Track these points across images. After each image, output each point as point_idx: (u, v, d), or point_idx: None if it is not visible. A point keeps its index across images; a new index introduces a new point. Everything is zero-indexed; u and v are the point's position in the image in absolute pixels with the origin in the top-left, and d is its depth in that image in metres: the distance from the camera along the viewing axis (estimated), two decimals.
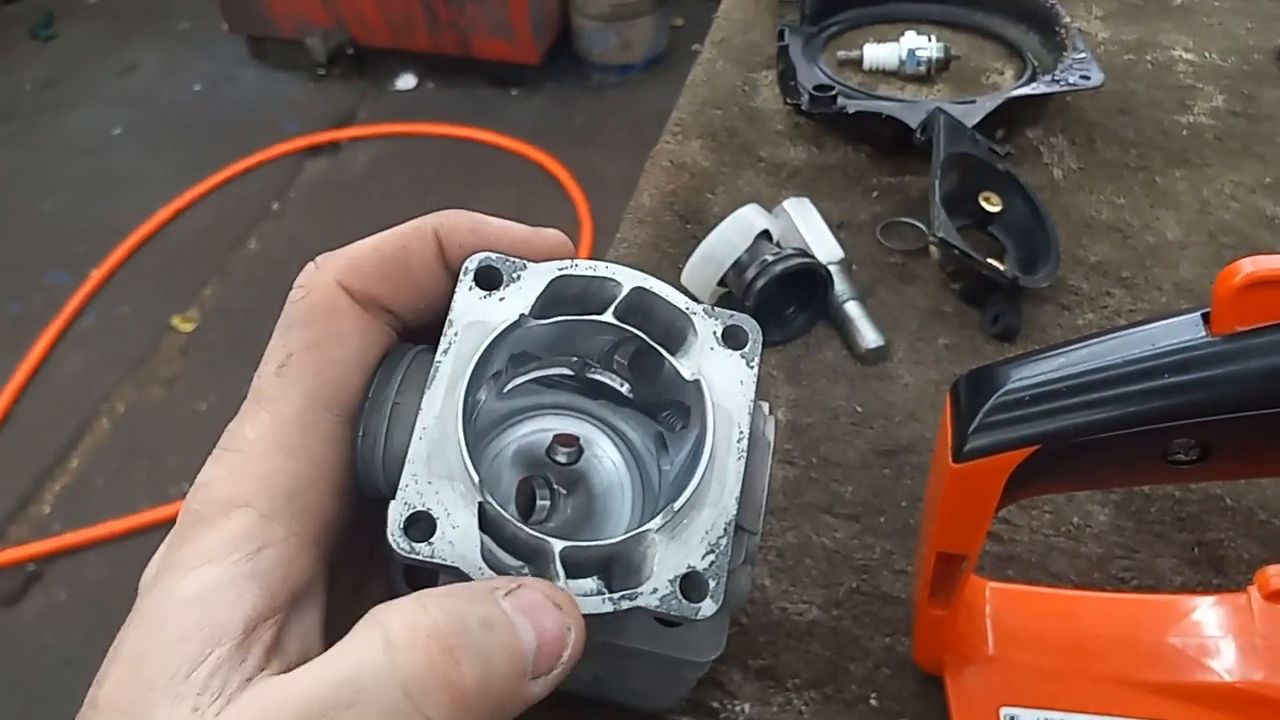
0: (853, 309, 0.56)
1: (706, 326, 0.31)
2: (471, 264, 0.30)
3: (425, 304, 0.31)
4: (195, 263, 2.16)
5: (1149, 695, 0.39)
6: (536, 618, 0.26)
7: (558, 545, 0.27)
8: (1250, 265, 0.31)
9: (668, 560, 0.28)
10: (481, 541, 0.27)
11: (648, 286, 0.30)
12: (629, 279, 0.30)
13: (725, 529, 0.28)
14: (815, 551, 0.46)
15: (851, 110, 0.63)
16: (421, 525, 0.27)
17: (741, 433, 0.30)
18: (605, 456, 0.34)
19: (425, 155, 2.39)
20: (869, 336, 0.54)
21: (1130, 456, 0.34)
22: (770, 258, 0.53)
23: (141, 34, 2.84)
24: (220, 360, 1.96)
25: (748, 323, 0.31)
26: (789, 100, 0.66)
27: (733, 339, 0.31)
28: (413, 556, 0.26)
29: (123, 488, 1.76)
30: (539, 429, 0.33)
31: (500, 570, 0.27)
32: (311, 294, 0.30)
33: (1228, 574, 0.45)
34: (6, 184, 2.39)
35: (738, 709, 0.40)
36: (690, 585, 0.27)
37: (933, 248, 0.58)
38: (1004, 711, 0.39)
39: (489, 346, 0.29)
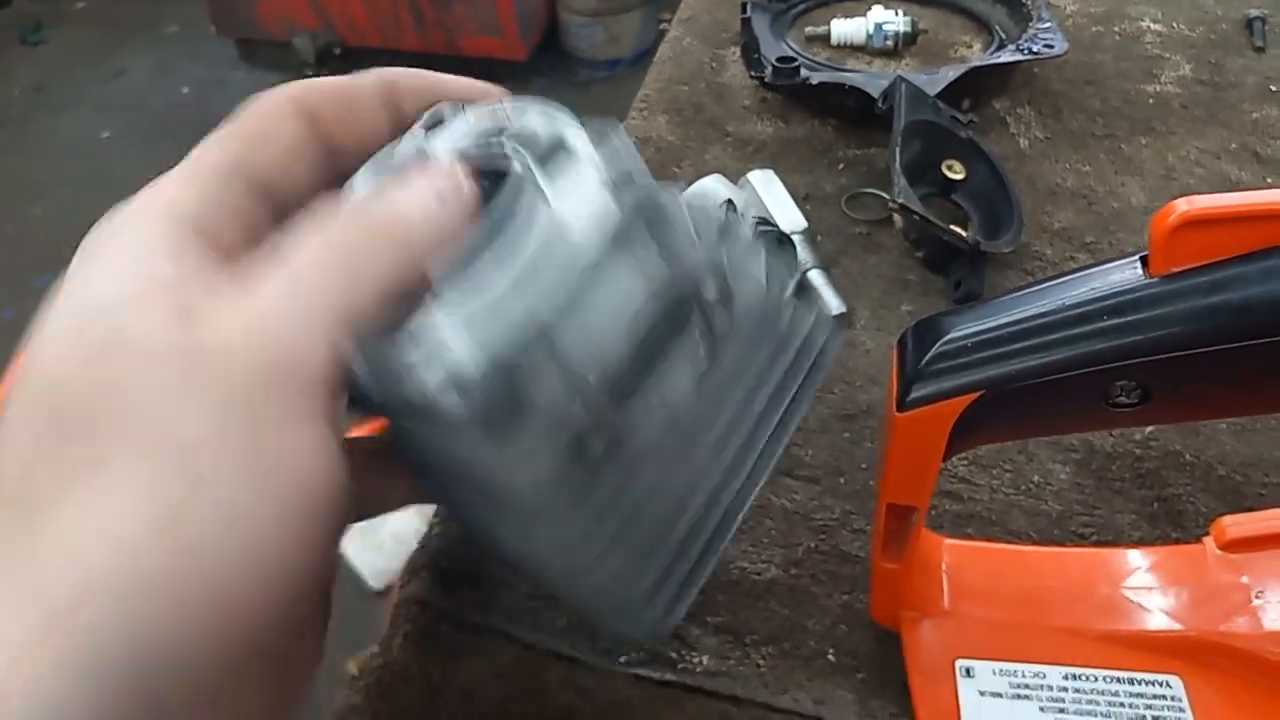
0: (816, 277, 0.55)
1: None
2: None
3: (364, 143, 0.32)
4: None
5: (1103, 645, 0.39)
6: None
7: None
8: (1184, 204, 0.32)
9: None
10: None
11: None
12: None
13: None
14: (775, 513, 0.46)
15: (815, 81, 0.63)
16: None
17: None
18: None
19: None
20: (832, 304, 0.54)
21: (1072, 400, 0.34)
22: None
23: (130, 39, 2.84)
24: None
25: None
26: (753, 73, 0.66)
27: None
28: None
29: None
30: None
31: None
32: (261, 98, 0.31)
33: (1186, 528, 0.45)
34: None
35: (696, 660, 0.40)
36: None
37: (896, 216, 0.59)
38: (959, 663, 0.39)
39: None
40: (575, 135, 0.29)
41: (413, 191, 0.28)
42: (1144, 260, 0.33)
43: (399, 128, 0.32)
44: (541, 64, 2.61)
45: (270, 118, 0.30)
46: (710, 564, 0.34)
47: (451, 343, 0.25)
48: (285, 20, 2.58)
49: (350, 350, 0.26)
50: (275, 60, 2.67)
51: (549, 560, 0.31)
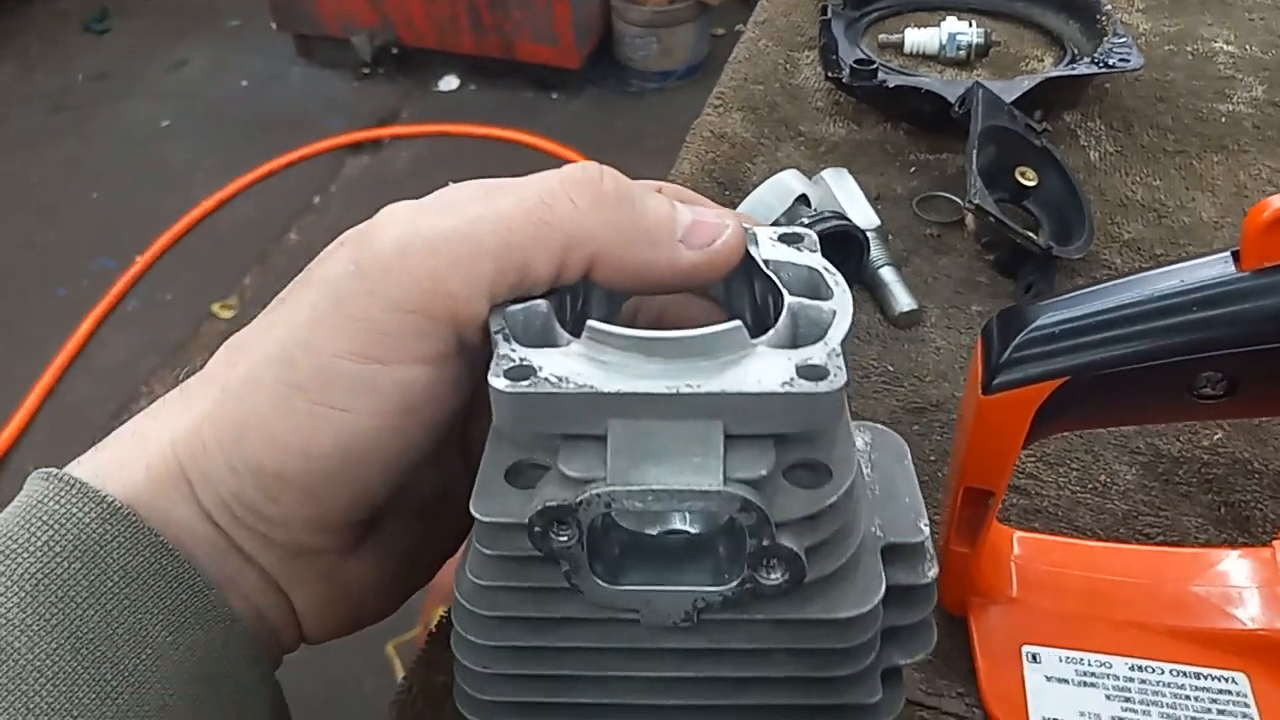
0: (888, 274, 0.57)
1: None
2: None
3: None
4: (237, 252, 2.20)
5: (1170, 640, 0.40)
6: (698, 212, 0.31)
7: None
8: (1279, 202, 0.32)
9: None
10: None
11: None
12: None
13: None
14: None
15: (891, 84, 0.64)
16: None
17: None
18: None
19: (466, 155, 2.42)
20: (903, 300, 0.55)
21: (1157, 391, 0.35)
22: (807, 220, 0.55)
23: (192, 31, 2.89)
24: None
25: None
26: (830, 74, 0.67)
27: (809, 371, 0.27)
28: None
29: None
30: None
31: None
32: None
33: (1252, 533, 0.45)
34: (58, 173, 2.45)
35: None
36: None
37: (969, 218, 0.59)
38: (1026, 649, 0.40)
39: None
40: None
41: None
42: (1235, 255, 0.33)
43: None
44: (594, 73, 2.63)
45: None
46: None
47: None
48: (344, 17, 2.62)
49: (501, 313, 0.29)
50: (333, 57, 2.70)
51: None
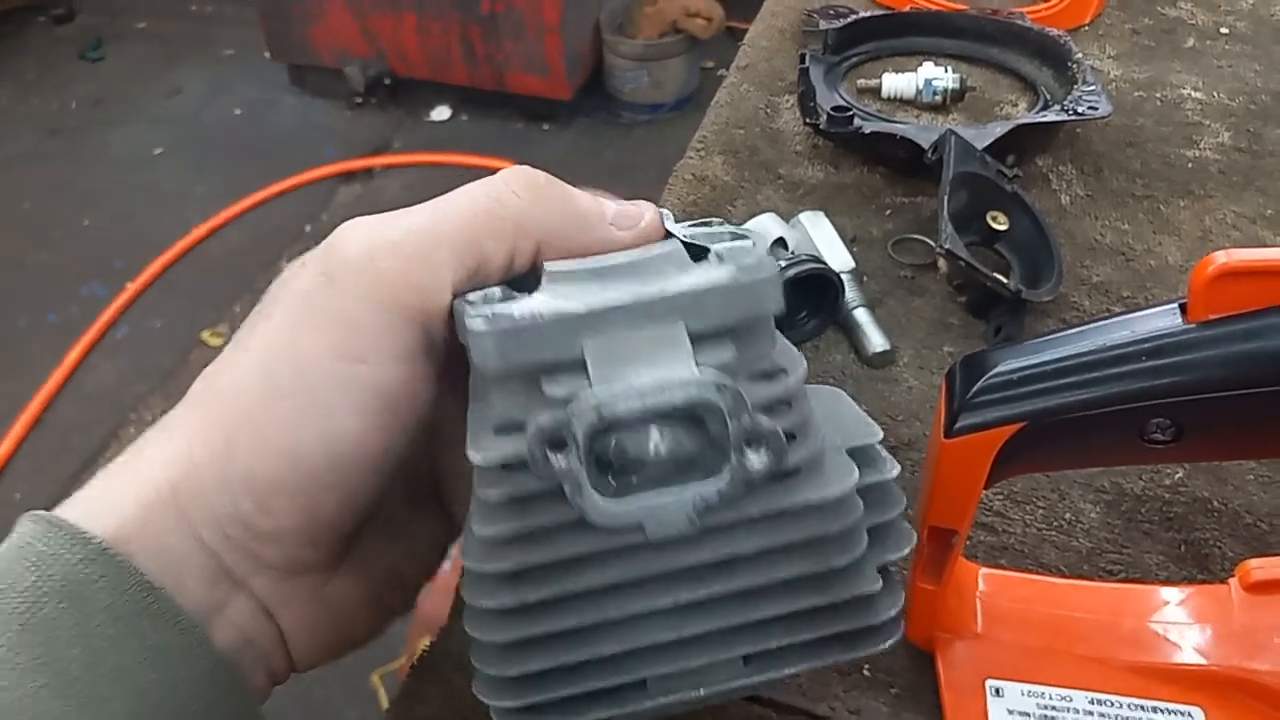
0: (862, 315, 0.58)
1: None
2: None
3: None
4: (228, 280, 2.21)
5: (1128, 675, 0.41)
6: (618, 203, 0.35)
7: None
8: (1224, 257, 0.34)
9: None
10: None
11: None
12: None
13: None
14: None
15: (867, 130, 0.66)
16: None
17: None
18: None
19: (457, 184, 2.42)
20: (876, 341, 0.57)
21: (1109, 436, 0.37)
22: (784, 263, 0.56)
23: (187, 59, 2.92)
24: None
25: None
26: (808, 120, 0.69)
27: None
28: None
29: None
30: None
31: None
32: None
33: (1211, 570, 0.47)
34: (51, 197, 2.46)
35: None
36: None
37: (941, 261, 0.61)
38: (990, 683, 0.41)
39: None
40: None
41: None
42: (1182, 307, 0.35)
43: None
44: (585, 104, 2.66)
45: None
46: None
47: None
48: (337, 48, 2.65)
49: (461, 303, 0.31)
50: (326, 87, 2.73)
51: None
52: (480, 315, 0.28)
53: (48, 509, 0.31)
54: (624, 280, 0.29)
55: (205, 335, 2.10)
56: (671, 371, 0.28)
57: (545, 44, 2.51)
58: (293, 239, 2.32)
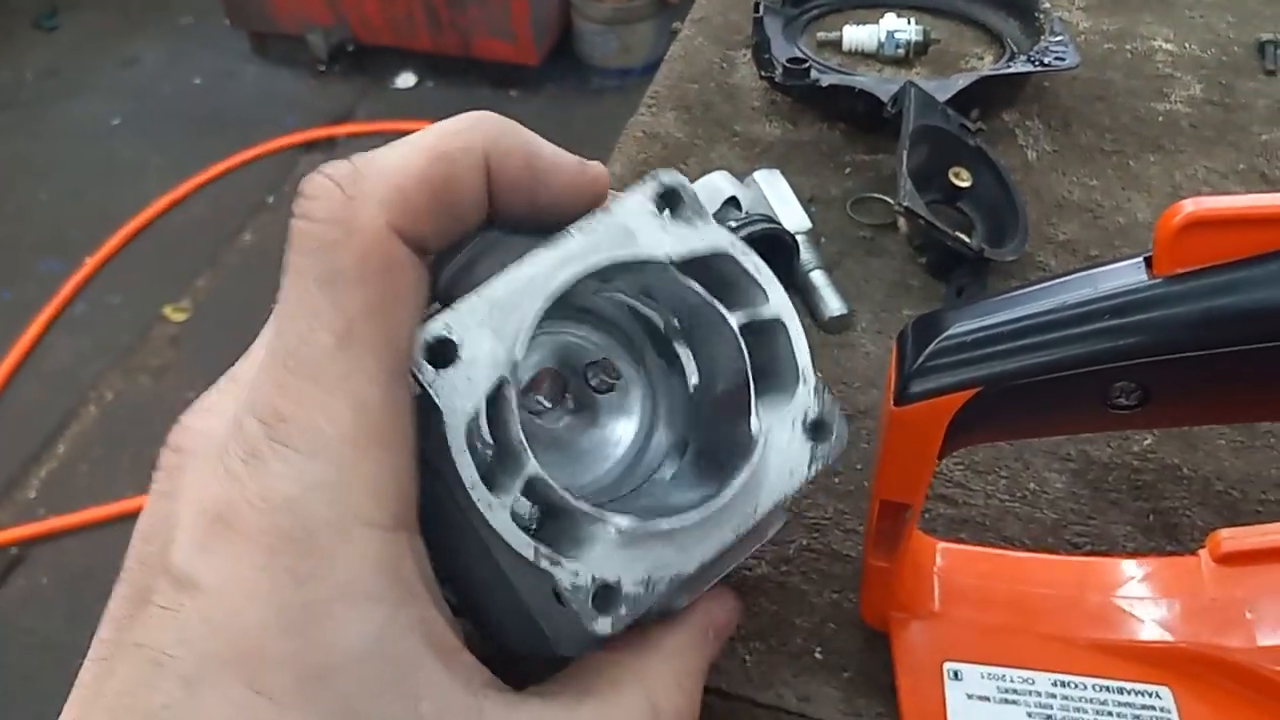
0: (818, 278, 0.55)
1: (806, 394, 0.32)
2: (667, 179, 0.32)
3: (456, 237, 0.29)
4: (189, 253, 2.16)
5: (1093, 653, 0.39)
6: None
7: (584, 506, 0.28)
8: (1191, 205, 0.31)
9: (603, 557, 0.28)
10: (478, 413, 0.27)
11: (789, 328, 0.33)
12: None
13: (670, 581, 0.29)
14: None
15: (825, 83, 0.63)
16: (444, 354, 0.27)
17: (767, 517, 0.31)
18: (626, 414, 0.33)
19: None
20: (833, 304, 0.54)
21: (1072, 400, 0.34)
22: (735, 223, 0.53)
23: (144, 27, 2.85)
24: (211, 350, 1.95)
25: (838, 422, 0.33)
26: (763, 73, 0.66)
27: (818, 430, 0.32)
28: (415, 373, 0.26)
29: (107, 475, 1.76)
30: (593, 342, 0.33)
31: (472, 448, 0.26)
32: (358, 238, 0.26)
33: (1180, 541, 0.44)
34: (5, 171, 2.40)
35: None
36: (604, 597, 0.28)
37: (901, 220, 0.58)
38: (947, 666, 0.39)
39: (621, 265, 0.29)
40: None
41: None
42: (1148, 261, 0.32)
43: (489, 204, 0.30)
44: (553, 70, 2.61)
45: (389, 273, 0.26)
46: None
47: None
48: (299, 15, 2.59)
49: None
50: (288, 55, 2.67)
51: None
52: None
53: (2, 494, 0.26)
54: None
55: (167, 310, 2.05)
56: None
57: (512, 8, 2.45)
58: (255, 210, 2.27)
